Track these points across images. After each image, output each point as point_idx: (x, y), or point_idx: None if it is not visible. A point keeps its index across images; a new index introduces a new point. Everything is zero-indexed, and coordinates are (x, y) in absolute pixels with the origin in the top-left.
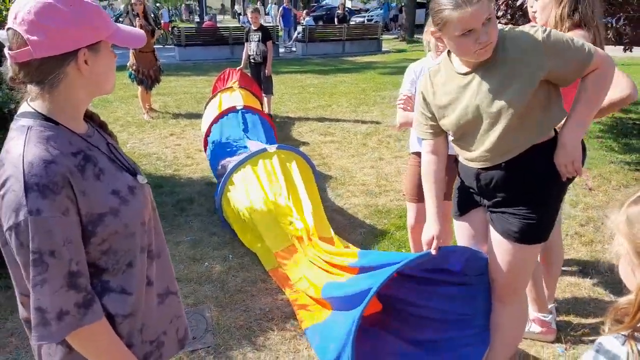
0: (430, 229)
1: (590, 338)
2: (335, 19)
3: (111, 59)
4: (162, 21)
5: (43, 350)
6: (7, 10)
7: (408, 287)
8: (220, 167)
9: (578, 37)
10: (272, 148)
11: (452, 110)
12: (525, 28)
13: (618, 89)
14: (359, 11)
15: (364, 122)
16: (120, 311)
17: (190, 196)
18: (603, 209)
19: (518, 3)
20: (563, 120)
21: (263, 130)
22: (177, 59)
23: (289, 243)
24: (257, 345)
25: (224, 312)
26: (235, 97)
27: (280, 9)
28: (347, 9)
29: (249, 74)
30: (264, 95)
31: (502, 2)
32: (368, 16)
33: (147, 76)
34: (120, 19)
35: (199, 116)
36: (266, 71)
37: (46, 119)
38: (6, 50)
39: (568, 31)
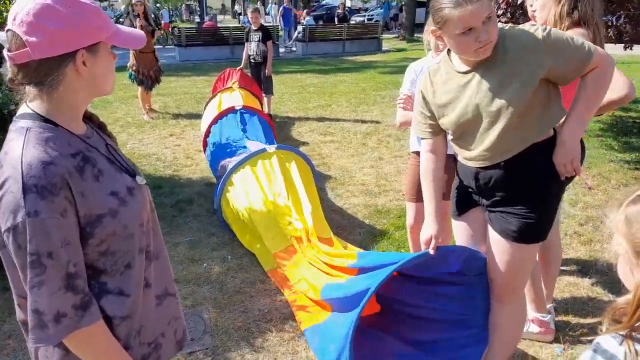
0: (429, 228)
1: (589, 338)
2: (336, 19)
3: (110, 60)
4: (162, 21)
5: (40, 353)
6: (8, 11)
7: (407, 287)
8: (220, 168)
9: (577, 35)
10: (271, 148)
11: (451, 109)
12: (525, 27)
13: (615, 88)
14: (358, 10)
15: (363, 121)
16: (118, 313)
17: (190, 197)
18: (602, 208)
19: (518, 1)
20: (562, 119)
21: (262, 130)
22: (177, 59)
23: (288, 243)
24: (256, 347)
25: (223, 313)
26: (235, 97)
27: (281, 8)
28: (347, 8)
29: (249, 74)
30: (264, 95)
31: (503, 1)
32: (368, 15)
33: (147, 77)
34: (121, 20)
35: (199, 116)
36: (266, 71)
37: (45, 120)
38: (5, 52)
39: (567, 29)
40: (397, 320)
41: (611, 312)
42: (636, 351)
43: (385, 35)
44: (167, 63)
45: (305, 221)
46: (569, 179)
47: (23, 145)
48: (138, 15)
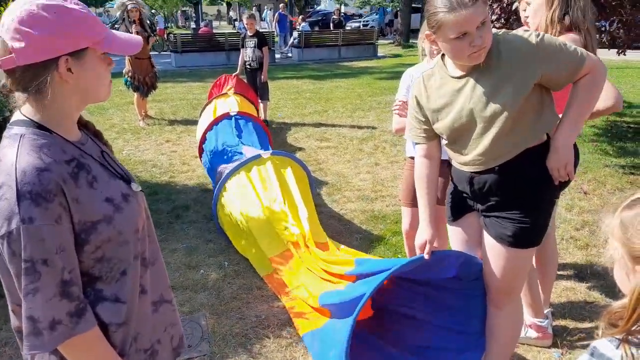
0: (423, 233)
1: (586, 342)
2: (331, 25)
3: (101, 67)
4: (157, 28)
5: None
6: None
7: (404, 293)
8: (217, 175)
9: (569, 41)
10: (266, 154)
11: (446, 114)
12: (519, 32)
13: (603, 98)
14: (352, 16)
15: (360, 127)
16: (114, 320)
17: (186, 203)
18: (598, 213)
19: (513, 7)
20: (556, 125)
21: (257, 135)
22: (173, 65)
23: (284, 248)
24: (253, 353)
25: (220, 319)
26: (230, 103)
27: (276, 14)
28: (342, 14)
29: (244, 80)
30: (260, 101)
31: (497, 6)
32: (364, 21)
33: (143, 83)
34: (117, 26)
35: (195, 122)
36: (262, 77)
37: (39, 126)
38: None
39: (559, 35)
40: (394, 325)
41: (607, 316)
42: (632, 355)
43: (380, 41)
44: (163, 69)
45: (302, 226)
46: (564, 184)
47: (17, 152)
48: (134, 22)
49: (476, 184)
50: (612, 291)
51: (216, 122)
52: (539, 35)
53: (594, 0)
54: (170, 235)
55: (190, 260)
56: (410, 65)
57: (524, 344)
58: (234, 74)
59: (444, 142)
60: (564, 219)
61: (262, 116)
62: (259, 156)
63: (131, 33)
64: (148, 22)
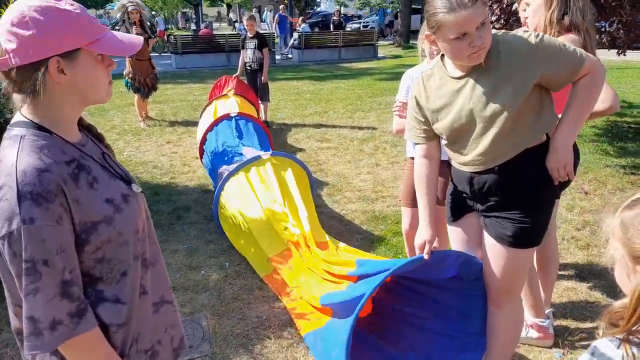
0: (423, 233)
1: (588, 343)
2: (331, 26)
3: (98, 68)
4: (157, 29)
5: None
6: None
7: (405, 293)
8: (218, 176)
9: (568, 41)
10: (265, 155)
11: (445, 114)
12: (518, 32)
13: (599, 99)
14: (351, 17)
15: (360, 128)
16: (115, 320)
17: (187, 204)
18: (599, 213)
19: (513, 8)
20: (555, 125)
21: (257, 136)
22: (173, 66)
23: (284, 247)
24: (254, 354)
25: (221, 320)
26: (230, 104)
27: (276, 16)
28: (342, 15)
29: (245, 81)
30: (260, 102)
31: (497, 7)
32: (364, 22)
33: (144, 84)
34: (117, 28)
35: (195, 124)
36: (262, 78)
37: (39, 127)
38: None
39: (558, 35)
40: (395, 325)
41: (608, 316)
42: (633, 354)
43: (380, 42)
44: (164, 70)
45: (302, 227)
46: (564, 184)
47: (17, 153)
48: (134, 23)
49: (476, 184)
50: (613, 291)
51: (216, 123)
52: (538, 35)
53: (594, 0)
54: (171, 236)
55: (191, 261)
56: (411, 66)
57: (525, 344)
58: (234, 75)
59: (443, 142)
60: (565, 219)
61: (262, 117)
62: (259, 157)
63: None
64: (148, 23)
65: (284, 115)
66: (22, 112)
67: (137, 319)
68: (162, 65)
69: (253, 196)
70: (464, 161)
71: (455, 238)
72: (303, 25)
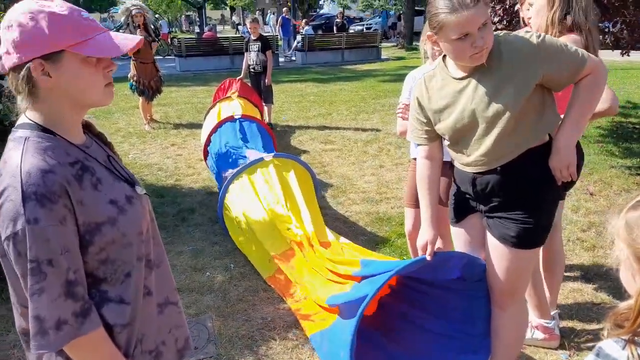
0: (425, 234)
1: (594, 344)
2: (334, 28)
3: (86, 70)
4: (161, 32)
5: None
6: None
7: (409, 293)
8: (223, 179)
9: (570, 41)
10: (268, 157)
11: (448, 115)
12: (520, 33)
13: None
14: (354, 19)
15: (364, 129)
16: (119, 321)
17: (192, 206)
18: (604, 214)
19: (515, 8)
20: (557, 125)
21: (262, 138)
22: (177, 69)
23: (287, 247)
24: (259, 355)
25: (226, 321)
26: (234, 106)
27: (280, 18)
28: (345, 17)
29: (249, 84)
30: (264, 104)
31: (500, 8)
32: (367, 24)
33: (148, 87)
34: (121, 31)
35: (199, 126)
36: (266, 80)
37: (43, 129)
38: None
39: (560, 35)
40: (397, 323)
41: (613, 317)
42: (639, 355)
43: (384, 44)
44: (168, 73)
45: (305, 228)
46: (569, 185)
47: (22, 154)
48: (138, 26)
49: (479, 184)
50: (619, 292)
51: (220, 125)
52: (540, 36)
53: (598, 1)
54: (176, 238)
55: (196, 262)
56: (414, 67)
57: (531, 346)
58: (238, 78)
59: (446, 143)
60: (570, 221)
61: (266, 119)
62: (261, 159)
63: None
64: (152, 26)
65: (287, 117)
66: (27, 114)
67: (141, 320)
68: (166, 68)
69: (256, 198)
70: (467, 162)
71: (459, 239)
72: (306, 27)
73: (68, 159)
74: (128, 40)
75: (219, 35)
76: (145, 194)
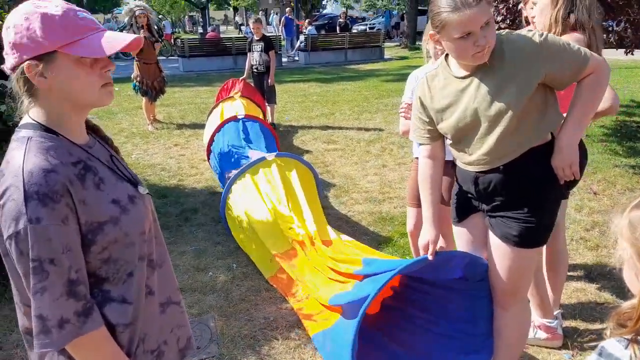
0: (426, 234)
1: (597, 344)
2: (337, 28)
3: (80, 70)
4: (164, 33)
5: None
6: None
7: (410, 294)
8: (226, 178)
9: (573, 40)
10: (270, 156)
11: (450, 114)
12: (522, 32)
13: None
14: (356, 19)
15: (367, 129)
16: (121, 320)
17: (195, 206)
18: (608, 213)
19: (519, 7)
20: (560, 124)
21: (265, 138)
22: (181, 70)
23: (289, 247)
24: (262, 355)
25: (229, 321)
26: (236, 106)
27: (283, 18)
28: (348, 17)
29: (252, 84)
30: (267, 104)
31: (503, 7)
32: (370, 24)
33: (151, 87)
34: (125, 31)
35: (202, 126)
36: (269, 80)
37: (46, 129)
38: None
39: (563, 34)
40: (399, 323)
41: (616, 317)
42: None
43: (387, 44)
44: (171, 74)
45: (307, 228)
46: (572, 184)
47: (24, 154)
48: (141, 27)
49: (481, 183)
50: (623, 292)
51: (223, 124)
52: (542, 34)
53: (601, 0)
54: (179, 238)
55: (199, 262)
56: (417, 67)
57: (533, 345)
58: (241, 78)
59: (448, 142)
60: (574, 220)
61: (269, 119)
62: (263, 159)
63: None
64: (155, 27)
65: (290, 117)
66: (30, 114)
67: (143, 319)
68: (170, 69)
69: (259, 197)
70: (469, 161)
71: (461, 239)
72: (309, 27)
73: (70, 158)
74: (117, 42)
75: (222, 35)
76: (147, 193)
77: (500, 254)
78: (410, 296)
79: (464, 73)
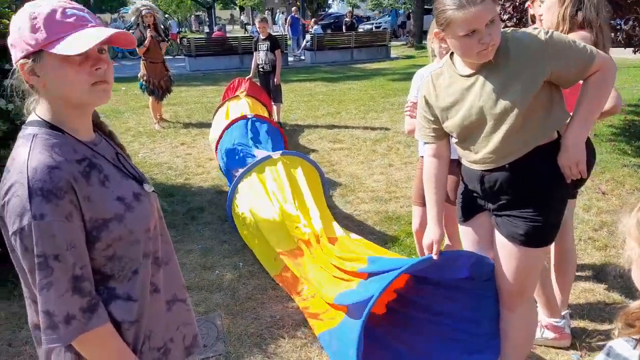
0: (430, 233)
1: (606, 344)
2: (344, 27)
3: (68, 68)
4: (171, 32)
5: (52, 358)
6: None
7: (417, 290)
8: (233, 176)
9: (579, 38)
10: (276, 155)
11: (455, 112)
12: (528, 30)
13: None
14: (361, 18)
15: (373, 128)
16: (127, 318)
17: (201, 205)
18: (616, 213)
19: (525, 5)
20: (566, 122)
21: (273, 139)
22: (187, 69)
23: (294, 246)
24: (268, 353)
25: (235, 319)
26: (242, 105)
27: (289, 17)
28: (354, 16)
29: (258, 83)
30: (273, 103)
31: (509, 5)
32: (376, 23)
33: (158, 87)
34: (131, 31)
35: (209, 125)
36: (275, 80)
37: (52, 127)
38: None
39: (570, 32)
40: (404, 323)
41: (624, 317)
42: None
43: (393, 43)
44: (178, 73)
45: (313, 227)
46: (579, 183)
47: (29, 151)
48: (148, 26)
49: (487, 182)
50: (632, 292)
51: (232, 123)
52: (547, 32)
53: None
54: (186, 236)
55: (206, 261)
56: (423, 66)
57: (541, 346)
58: (247, 77)
59: (453, 141)
60: (582, 220)
61: (275, 118)
62: (269, 157)
63: (146, 37)
64: (162, 26)
65: (296, 116)
66: (36, 112)
67: (149, 317)
68: (176, 68)
69: (265, 196)
70: (475, 159)
71: (467, 238)
72: (315, 26)
73: (75, 155)
74: (93, 38)
75: (228, 34)
76: (153, 191)
77: (506, 253)
78: (414, 297)
79: (469, 71)
